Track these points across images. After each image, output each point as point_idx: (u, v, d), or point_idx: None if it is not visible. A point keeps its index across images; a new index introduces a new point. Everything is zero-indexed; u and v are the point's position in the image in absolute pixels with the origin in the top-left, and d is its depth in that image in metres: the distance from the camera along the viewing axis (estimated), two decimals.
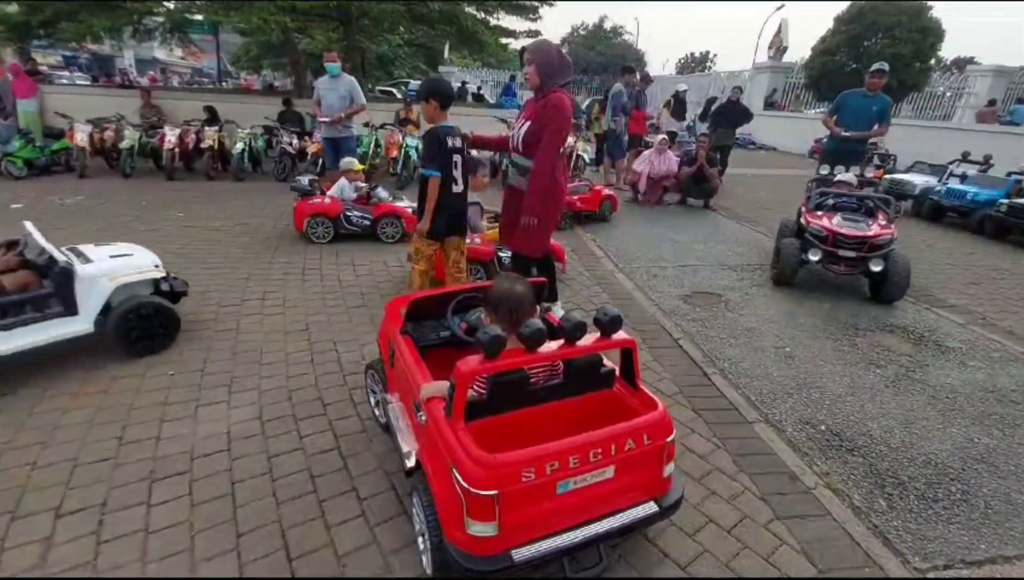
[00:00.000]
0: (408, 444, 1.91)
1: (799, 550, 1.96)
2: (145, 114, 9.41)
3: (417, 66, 23.50)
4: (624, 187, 8.59)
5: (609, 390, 1.91)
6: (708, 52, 45.77)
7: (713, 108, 11.47)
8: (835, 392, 3.10)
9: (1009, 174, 7.87)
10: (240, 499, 2.06)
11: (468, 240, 4.20)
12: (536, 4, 13.37)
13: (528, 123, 3.15)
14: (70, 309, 2.78)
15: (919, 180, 8.80)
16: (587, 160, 9.42)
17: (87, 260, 2.91)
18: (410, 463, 1.83)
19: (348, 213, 5.25)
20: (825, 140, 7.05)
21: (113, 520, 1.94)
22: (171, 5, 10.23)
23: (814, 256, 4.58)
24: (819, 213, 4.96)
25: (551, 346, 1.63)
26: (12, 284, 2.74)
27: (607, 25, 37.93)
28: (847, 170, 5.86)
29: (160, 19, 10.36)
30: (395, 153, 8.23)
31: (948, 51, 25.69)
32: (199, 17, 11.36)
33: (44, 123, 9.12)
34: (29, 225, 3.02)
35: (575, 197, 6.48)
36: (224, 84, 23.98)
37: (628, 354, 1.85)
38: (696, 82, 27.77)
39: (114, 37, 11.19)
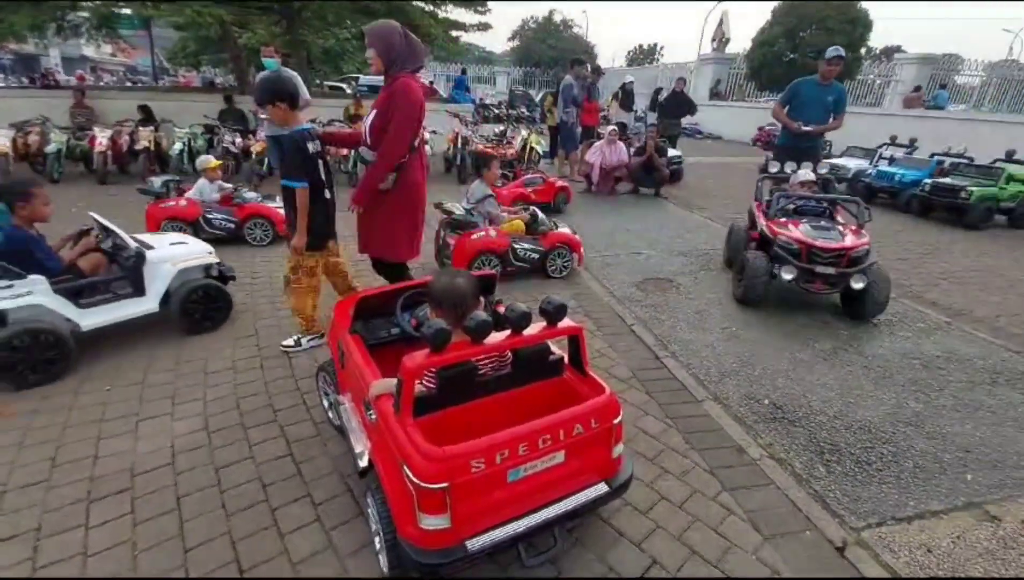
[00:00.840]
0: (361, 444, 1.89)
1: (745, 519, 2.06)
2: (75, 115, 8.83)
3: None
4: (579, 178, 8.70)
5: (559, 378, 1.94)
6: (656, 44, 46.83)
7: (659, 100, 11.80)
8: (777, 368, 3.26)
9: (932, 156, 8.43)
10: (187, 513, 1.98)
11: (483, 232, 4.32)
12: None
13: (374, 112, 2.82)
14: (139, 290, 3.08)
15: (852, 164, 9.31)
16: (541, 152, 9.47)
17: (151, 247, 3.17)
18: (363, 463, 1.82)
19: (208, 216, 4.85)
20: (777, 134, 7.08)
21: (49, 545, 1.83)
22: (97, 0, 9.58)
23: (788, 274, 3.93)
24: (781, 220, 4.29)
25: (498, 337, 1.64)
26: (88, 267, 3.03)
27: (557, 18, 38.12)
28: (799, 167, 4.98)
29: (84, 15, 9.69)
30: (345, 152, 8.03)
31: (876, 41, 27.17)
32: (128, 11, 10.69)
33: None
34: (95, 214, 3.27)
35: (529, 190, 6.53)
36: (161, 82, 22.75)
37: (575, 341, 1.88)
38: (644, 74, 28.36)
39: (37, 36, 10.41)
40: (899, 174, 8.23)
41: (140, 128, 8.13)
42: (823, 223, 4.23)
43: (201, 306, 3.30)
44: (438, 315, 1.83)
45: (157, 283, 3.14)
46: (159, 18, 9.81)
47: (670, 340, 3.55)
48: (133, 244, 3.09)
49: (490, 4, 13.68)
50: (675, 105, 10.63)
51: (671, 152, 8.92)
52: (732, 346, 3.51)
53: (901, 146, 9.41)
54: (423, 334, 1.53)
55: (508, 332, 1.66)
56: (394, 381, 1.62)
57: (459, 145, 8.96)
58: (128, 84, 23.03)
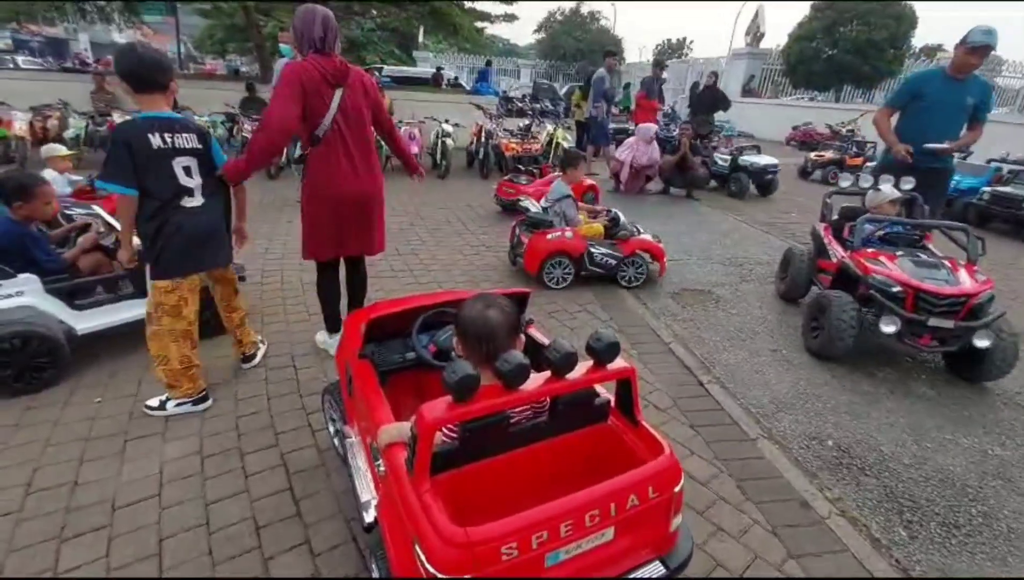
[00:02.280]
0: (367, 491, 1.61)
1: None
2: (96, 100, 8.75)
3: (391, 51, 22.75)
4: (614, 169, 8.31)
5: (604, 424, 1.63)
6: (685, 39, 45.71)
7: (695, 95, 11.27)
8: (838, 401, 2.89)
9: (989, 161, 7.84)
10: (168, 560, 1.73)
11: (559, 232, 4.09)
12: None
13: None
14: (142, 291, 2.69)
15: None
16: (567, 146, 9.10)
17: None
18: (368, 518, 1.53)
19: (67, 211, 4.23)
20: (817, 133, 6.67)
21: None
22: None
23: (889, 327, 3.03)
24: (869, 251, 3.42)
25: (536, 381, 1.34)
26: (87, 265, 2.83)
27: (584, 11, 37.41)
28: (878, 182, 3.73)
29: None
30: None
31: (917, 39, 25.97)
32: None
33: None
34: (97, 208, 3.05)
35: None
36: (186, 70, 22.86)
37: (627, 384, 1.57)
38: (674, 69, 27.63)
39: (57, 17, 10.42)
40: (955, 181, 7.65)
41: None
42: (924, 257, 3.31)
43: (210, 308, 2.88)
44: (463, 350, 1.52)
45: None
46: (182, 3, 9.64)
47: (713, 362, 3.20)
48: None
49: None
50: (708, 101, 10.13)
51: (765, 159, 8.19)
52: (784, 372, 3.14)
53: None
54: (445, 381, 1.23)
55: (548, 374, 1.36)
56: (408, 427, 1.33)
57: (483, 139, 8.65)
58: None
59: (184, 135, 2.24)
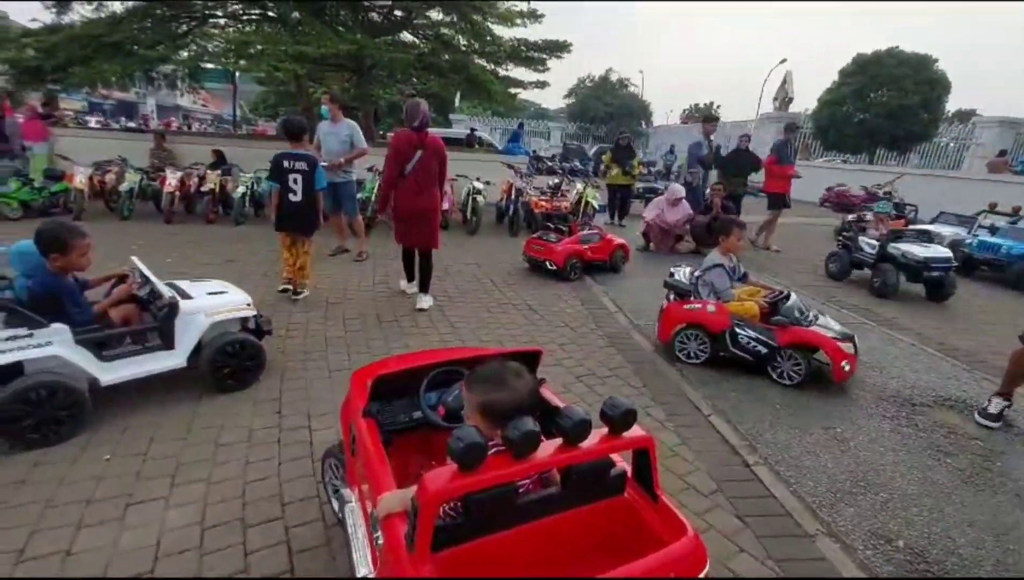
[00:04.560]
0: (364, 566, 1.45)
1: None
2: (155, 156, 9.36)
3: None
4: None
5: (620, 498, 1.46)
6: (712, 103, 46.81)
7: (722, 156, 11.30)
8: (905, 491, 2.56)
9: None
10: None
11: (701, 304, 3.86)
12: (544, 56, 13.57)
13: None
14: (168, 343, 2.84)
15: (947, 231, 8.41)
16: (596, 207, 9.14)
17: (186, 296, 2.98)
18: None
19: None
20: (852, 194, 6.48)
21: None
22: (185, 54, 10.35)
23: None
24: None
25: (546, 450, 1.23)
26: (118, 316, 2.88)
27: (613, 77, 38.99)
28: None
29: (169, 68, 10.48)
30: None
31: (950, 104, 25.89)
32: (211, 66, 11.51)
33: (52, 165, 9.05)
34: (135, 259, 3.13)
35: (585, 246, 6.13)
36: (239, 129, 24.59)
37: (644, 455, 1.42)
38: (700, 130, 28.15)
39: (128, 83, 11.42)
40: (1006, 246, 7.28)
41: (209, 171, 8.44)
42: None
43: (233, 362, 3.01)
44: (477, 416, 1.39)
45: (188, 336, 2.89)
46: (239, 71, 10.43)
47: (760, 440, 2.92)
48: (168, 293, 2.89)
49: (549, 64, 13.96)
50: (739, 162, 10.12)
51: (932, 250, 6.09)
52: (840, 455, 2.83)
53: (1003, 215, 8.44)
54: (451, 447, 1.13)
55: (559, 442, 1.26)
56: (409, 495, 1.21)
57: (512, 196, 8.78)
58: (210, 131, 24.97)
59: (297, 164, 4.38)
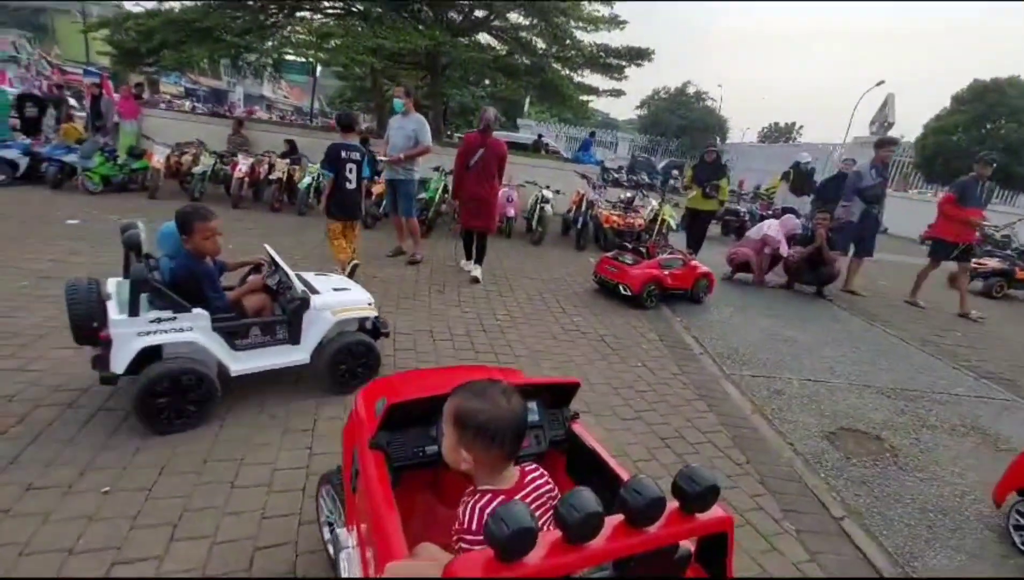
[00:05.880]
0: None
1: None
2: (233, 142, 9.52)
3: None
4: (861, 292, 6.99)
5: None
6: (794, 123, 44.08)
7: (819, 181, 10.17)
8: None
9: None
10: None
11: None
12: (624, 64, 12.93)
13: None
14: (295, 338, 2.77)
15: None
16: (675, 226, 8.36)
17: (314, 290, 2.88)
18: None
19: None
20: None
21: None
22: (269, 43, 10.51)
23: None
24: None
25: (606, 532, 0.95)
26: (252, 306, 2.80)
27: (690, 90, 37.48)
28: None
29: (253, 56, 10.68)
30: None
31: None
32: (292, 57, 11.69)
33: (136, 144, 9.38)
34: (269, 248, 3.05)
35: (665, 272, 5.44)
36: (315, 122, 25.38)
37: (721, 537, 1.13)
38: (780, 153, 26.44)
39: (220, 69, 11.82)
40: None
41: (279, 159, 8.41)
42: None
43: (351, 363, 2.90)
44: (448, 421, 1.18)
45: (314, 332, 2.81)
46: (317, 61, 10.49)
47: (916, 562, 2.18)
48: (300, 286, 2.78)
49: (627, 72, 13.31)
50: (841, 189, 9.03)
51: None
52: None
53: None
54: (489, 531, 0.85)
55: (620, 520, 0.98)
56: (423, 569, 1.08)
57: (582, 208, 8.19)
58: (287, 120, 25.96)
59: (352, 153, 4.55)
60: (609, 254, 5.74)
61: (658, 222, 8.16)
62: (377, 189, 7.51)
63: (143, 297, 2.30)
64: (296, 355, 2.76)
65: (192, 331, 2.41)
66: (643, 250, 5.71)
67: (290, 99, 46.51)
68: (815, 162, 17.31)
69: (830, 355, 4.58)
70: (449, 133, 19.64)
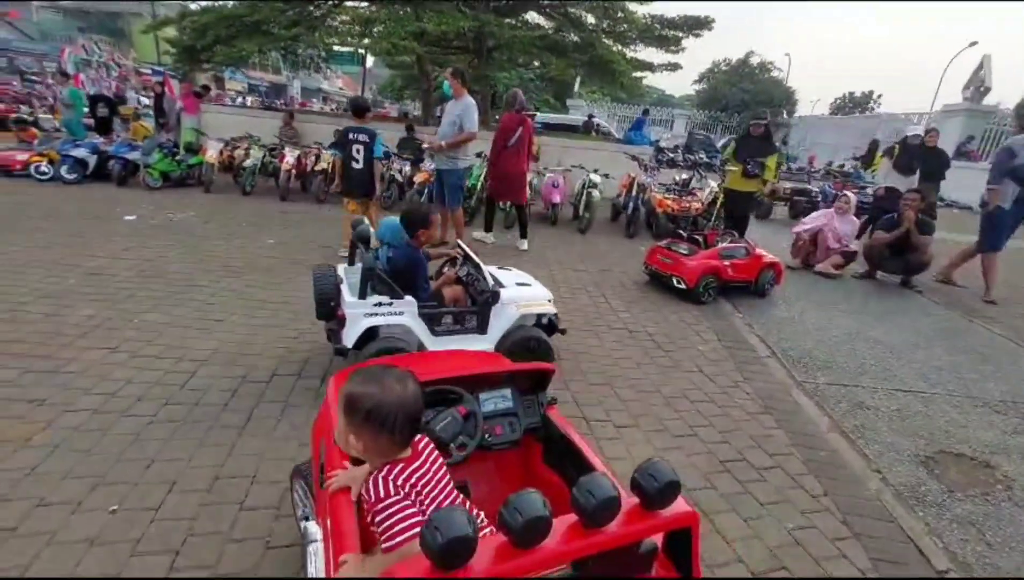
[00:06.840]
0: None
1: None
2: (284, 134, 9.70)
3: (546, 99, 23.22)
4: (960, 282, 6.28)
5: (645, 574, 1.10)
6: (871, 92, 40.20)
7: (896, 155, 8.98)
8: None
9: None
10: None
11: None
12: (680, 35, 12.08)
13: None
14: (482, 328, 2.96)
15: None
16: None
17: (500, 284, 3.06)
18: None
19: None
20: None
21: None
22: (316, 34, 10.57)
23: None
24: None
25: (556, 534, 0.90)
26: (449, 296, 3.07)
27: (753, 60, 35.04)
28: None
29: (301, 48, 10.80)
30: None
31: None
32: (338, 47, 11.73)
33: (194, 140, 9.74)
34: (461, 243, 3.39)
35: (726, 262, 4.93)
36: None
37: (685, 532, 1.07)
38: (857, 125, 24.25)
39: (277, 63, 12.12)
40: None
41: (324, 151, 8.44)
42: None
43: (524, 355, 2.95)
44: (340, 408, 1.15)
45: (499, 324, 2.98)
46: (361, 47, 10.46)
47: None
48: (491, 280, 3.04)
49: (684, 44, 12.42)
50: (932, 164, 7.95)
51: None
52: None
53: None
54: (424, 541, 0.81)
55: (572, 520, 0.94)
56: (378, 563, 1.05)
57: (633, 192, 7.69)
58: (339, 112, 26.59)
59: (360, 136, 4.85)
60: (662, 243, 5.28)
61: (717, 205, 7.55)
62: (420, 178, 7.35)
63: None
64: (482, 345, 2.93)
65: (404, 315, 2.73)
66: (700, 238, 5.22)
67: (345, 90, 47.72)
68: (902, 135, 15.63)
69: (922, 359, 3.97)
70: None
